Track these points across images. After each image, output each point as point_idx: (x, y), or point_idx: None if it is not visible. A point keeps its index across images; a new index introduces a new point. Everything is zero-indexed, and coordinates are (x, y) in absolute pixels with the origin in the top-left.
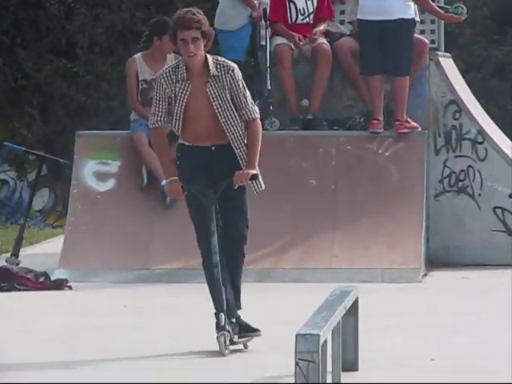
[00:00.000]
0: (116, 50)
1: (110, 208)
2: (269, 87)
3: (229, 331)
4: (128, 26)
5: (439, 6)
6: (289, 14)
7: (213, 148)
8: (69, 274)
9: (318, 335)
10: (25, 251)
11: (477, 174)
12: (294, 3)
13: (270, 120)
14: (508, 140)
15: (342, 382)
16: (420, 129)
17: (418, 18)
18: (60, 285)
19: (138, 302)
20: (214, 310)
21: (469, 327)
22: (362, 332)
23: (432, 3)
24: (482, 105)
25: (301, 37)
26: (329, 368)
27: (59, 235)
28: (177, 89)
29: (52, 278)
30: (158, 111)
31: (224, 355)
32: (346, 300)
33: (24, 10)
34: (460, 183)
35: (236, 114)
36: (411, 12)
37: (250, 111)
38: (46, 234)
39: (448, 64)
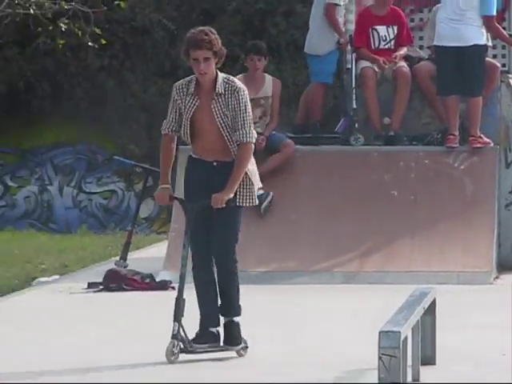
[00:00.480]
0: None
1: None
2: (354, 106)
3: (180, 340)
4: (226, 51)
5: (509, 34)
6: (372, 40)
7: (214, 164)
8: (172, 276)
9: (399, 332)
10: (132, 255)
11: None
12: (377, 30)
13: (356, 136)
14: None
15: (420, 375)
16: (492, 144)
17: (490, 44)
18: (164, 285)
19: None
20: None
21: None
22: (439, 330)
23: (503, 31)
24: None
25: (385, 60)
26: (409, 362)
27: (163, 240)
28: (186, 102)
29: (157, 280)
30: (170, 120)
31: (170, 362)
32: (425, 300)
33: (132, 36)
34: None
35: (231, 131)
36: (484, 38)
37: (244, 134)
38: (152, 239)
39: None
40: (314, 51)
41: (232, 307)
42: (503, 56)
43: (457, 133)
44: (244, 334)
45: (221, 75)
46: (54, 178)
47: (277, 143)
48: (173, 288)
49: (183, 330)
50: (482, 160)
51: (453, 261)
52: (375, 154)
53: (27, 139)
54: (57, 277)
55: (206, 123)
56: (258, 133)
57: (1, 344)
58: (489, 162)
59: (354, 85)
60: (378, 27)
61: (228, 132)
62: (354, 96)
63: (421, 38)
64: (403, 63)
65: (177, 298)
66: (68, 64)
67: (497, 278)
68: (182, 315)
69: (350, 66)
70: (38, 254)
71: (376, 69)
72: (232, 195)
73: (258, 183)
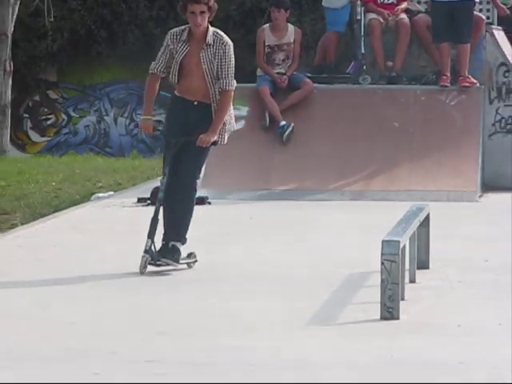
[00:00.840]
0: (246, 23)
1: (242, 142)
2: (363, 51)
3: (150, 254)
4: (255, 4)
5: None
6: None
7: (195, 103)
8: (209, 193)
9: (399, 241)
10: None
11: None
12: None
13: (364, 76)
14: None
15: (416, 277)
16: (478, 84)
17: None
18: (202, 201)
19: (261, 215)
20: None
21: (492, 235)
22: (432, 239)
23: None
24: None
25: (389, 13)
26: (406, 266)
27: None
28: (178, 47)
29: (196, 196)
30: (159, 61)
31: (141, 273)
32: (420, 215)
33: None
34: (508, 126)
35: (214, 78)
36: None
37: (227, 83)
38: None
39: (500, 35)
40: (330, 4)
41: (178, 233)
42: (487, 10)
43: (449, 74)
44: (267, 239)
45: (211, 29)
46: (110, 110)
47: (298, 82)
48: (209, 203)
49: (154, 246)
50: (469, 97)
51: (444, 182)
52: (380, 91)
53: (88, 77)
54: (111, 193)
55: (194, 67)
56: (281, 73)
57: (68, 246)
58: (475, 99)
59: (362, 33)
60: None
61: (211, 78)
62: (362, 43)
63: None
64: (404, 15)
65: (152, 218)
66: (122, 14)
67: (481, 196)
68: (155, 233)
69: (359, 18)
70: (96, 174)
71: (381, 20)
72: (215, 138)
73: (233, 126)
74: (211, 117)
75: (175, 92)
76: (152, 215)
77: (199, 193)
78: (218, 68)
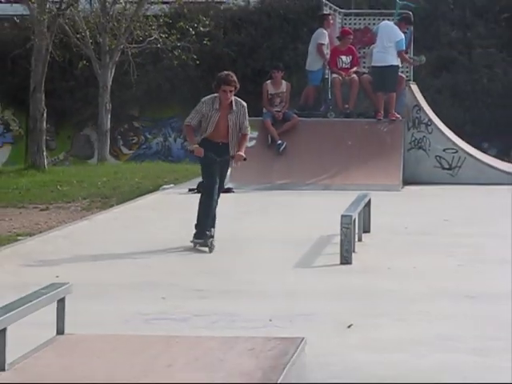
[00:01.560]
0: (256, 80)
1: (254, 154)
2: (329, 97)
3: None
4: (262, 67)
5: (411, 58)
6: (338, 63)
7: (220, 143)
8: (234, 185)
9: (351, 215)
10: None
11: (427, 140)
12: (341, 58)
13: (330, 113)
14: (442, 123)
15: (362, 238)
16: (401, 118)
17: (400, 65)
18: (229, 190)
19: (266, 199)
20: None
21: (425, 211)
22: (372, 214)
23: (407, 57)
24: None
25: (344, 73)
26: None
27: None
28: (211, 113)
29: (225, 187)
30: (193, 118)
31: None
32: (364, 199)
33: None
34: (419, 144)
35: (237, 131)
36: (397, 61)
37: (246, 129)
38: None
39: (414, 88)
40: (310, 68)
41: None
42: (407, 72)
43: (382, 112)
44: (270, 214)
45: (233, 98)
46: (171, 134)
47: (289, 116)
48: (233, 192)
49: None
50: (395, 126)
51: (379, 179)
52: (340, 122)
53: (158, 113)
54: (172, 185)
55: (221, 124)
56: (278, 111)
57: (145, 218)
58: (399, 127)
59: (329, 86)
60: (341, 56)
61: (232, 130)
62: (329, 92)
63: (364, 62)
64: (354, 75)
65: (210, 214)
66: (177, 74)
67: (402, 187)
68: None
69: (327, 77)
70: (163, 173)
71: (340, 78)
72: (244, 156)
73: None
74: (228, 149)
75: (204, 136)
76: (206, 211)
77: (228, 185)
78: (239, 122)
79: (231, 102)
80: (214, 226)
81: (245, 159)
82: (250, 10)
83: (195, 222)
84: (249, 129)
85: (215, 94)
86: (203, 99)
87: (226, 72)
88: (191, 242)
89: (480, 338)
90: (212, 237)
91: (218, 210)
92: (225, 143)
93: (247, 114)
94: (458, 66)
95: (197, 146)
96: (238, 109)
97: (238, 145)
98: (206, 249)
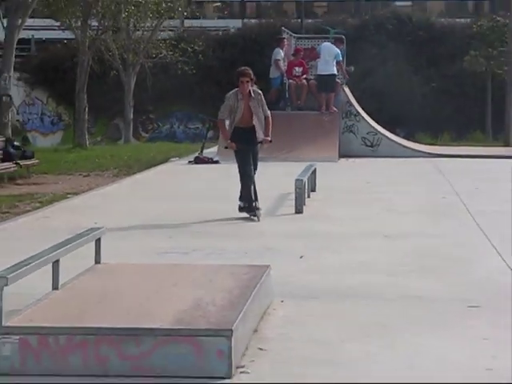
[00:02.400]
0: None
1: None
2: (287, 96)
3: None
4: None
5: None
6: (293, 72)
7: (246, 128)
8: (220, 158)
9: (303, 179)
10: (205, 151)
11: (355, 126)
12: (295, 69)
13: (287, 108)
14: (366, 114)
15: (310, 194)
16: (337, 111)
17: (336, 73)
18: (217, 162)
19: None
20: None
21: (354, 176)
22: (317, 178)
23: (343, 66)
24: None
25: (297, 80)
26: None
27: (216, 146)
28: (237, 104)
29: (214, 159)
30: (223, 112)
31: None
32: (312, 168)
33: None
34: (350, 129)
35: (261, 113)
36: (335, 70)
37: (266, 113)
38: (212, 144)
39: (347, 89)
40: (271, 76)
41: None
42: (343, 78)
43: (324, 107)
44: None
45: (251, 88)
46: (175, 122)
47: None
48: (220, 163)
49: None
50: (333, 116)
51: (322, 153)
52: (294, 114)
53: (168, 108)
54: (177, 158)
55: (246, 111)
56: None
57: (158, 180)
58: (336, 117)
59: (287, 88)
60: (295, 67)
61: (256, 114)
62: (286, 93)
63: (311, 71)
64: (304, 81)
65: (250, 189)
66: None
67: (338, 159)
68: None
69: (285, 82)
70: (170, 150)
71: (294, 83)
72: (270, 138)
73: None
74: (255, 132)
75: (236, 125)
76: (248, 187)
77: (216, 158)
78: (260, 107)
79: (249, 91)
80: (257, 200)
81: (270, 141)
82: (230, 35)
83: (240, 197)
84: (269, 112)
85: (236, 89)
86: (227, 95)
87: (242, 67)
88: (248, 214)
89: (391, 264)
90: (258, 208)
91: (200, 176)
92: (252, 127)
93: (264, 100)
94: (376, 74)
95: (229, 141)
96: (255, 96)
97: (264, 128)
98: (256, 218)
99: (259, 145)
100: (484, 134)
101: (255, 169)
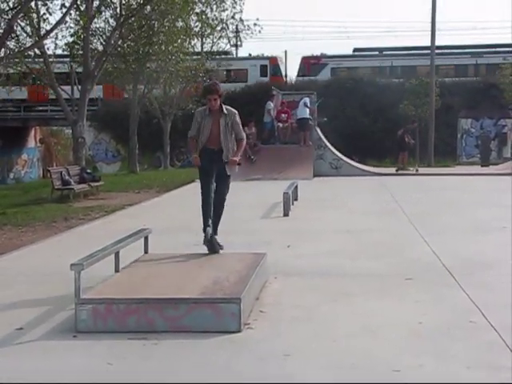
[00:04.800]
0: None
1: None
2: (276, 134)
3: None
4: (245, 121)
5: (317, 118)
6: (281, 117)
7: (215, 149)
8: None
9: (288, 192)
10: None
11: (324, 155)
12: (282, 115)
13: (276, 143)
14: (331, 146)
15: (294, 202)
16: (312, 144)
17: (310, 117)
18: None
19: (246, 186)
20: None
21: (325, 189)
22: (298, 191)
23: (312, 109)
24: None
25: (283, 123)
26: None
27: None
28: (205, 120)
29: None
30: (193, 129)
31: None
32: (295, 184)
33: None
34: (321, 157)
35: (230, 135)
36: (308, 115)
37: (241, 134)
38: None
39: (318, 129)
40: (265, 120)
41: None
42: (313, 122)
43: (303, 141)
44: (249, 193)
45: (224, 106)
46: None
47: (256, 144)
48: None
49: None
50: (309, 148)
51: (301, 174)
52: (281, 147)
53: None
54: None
55: (214, 130)
56: (250, 142)
57: (188, 196)
58: (311, 149)
59: (276, 129)
60: (282, 114)
61: (223, 134)
62: (276, 132)
63: (293, 117)
64: (288, 123)
65: (206, 216)
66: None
67: (312, 178)
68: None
69: (275, 125)
70: (195, 173)
71: (281, 125)
72: (238, 160)
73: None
74: (222, 155)
75: (202, 144)
76: (204, 214)
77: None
78: (230, 127)
79: (221, 108)
80: (210, 226)
81: (239, 164)
82: (236, 92)
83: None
84: (244, 135)
85: (204, 106)
86: (196, 110)
87: (209, 82)
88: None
89: (352, 251)
90: (211, 237)
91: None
92: (220, 149)
93: (239, 121)
94: (339, 118)
95: (195, 155)
96: (228, 113)
97: (233, 151)
98: (211, 249)
99: (226, 166)
100: (414, 158)
101: (221, 193)
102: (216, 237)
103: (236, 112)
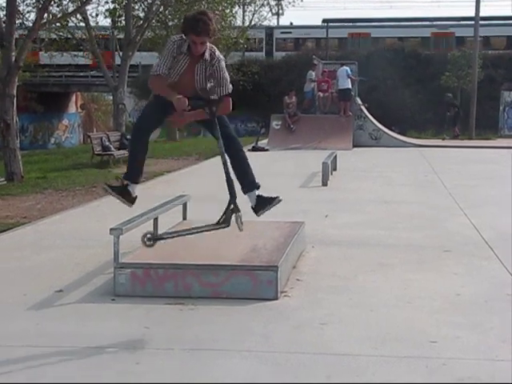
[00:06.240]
0: (281, 96)
1: (280, 133)
2: (316, 104)
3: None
4: (284, 90)
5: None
6: (321, 86)
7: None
8: (269, 147)
9: (327, 162)
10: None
11: (364, 125)
12: (322, 84)
13: (316, 112)
14: (371, 116)
15: (332, 172)
16: (352, 114)
17: (351, 87)
18: (266, 149)
19: (285, 155)
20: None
21: (363, 159)
22: (337, 161)
23: (353, 77)
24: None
25: (324, 92)
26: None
27: (267, 138)
28: (179, 57)
29: (265, 148)
30: (164, 65)
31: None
32: (334, 154)
33: None
34: (361, 127)
35: (207, 86)
36: (349, 85)
37: (226, 87)
38: (263, 137)
39: (358, 99)
40: (305, 90)
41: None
42: (354, 92)
43: (342, 112)
44: (287, 162)
45: (208, 45)
46: (238, 123)
47: (296, 113)
48: (268, 150)
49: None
50: (349, 118)
51: (340, 144)
52: (321, 117)
53: (232, 114)
54: None
55: (187, 77)
56: (290, 111)
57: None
58: (351, 119)
59: (316, 99)
60: (322, 83)
61: (200, 85)
62: (316, 102)
63: (334, 87)
64: (328, 93)
65: (227, 180)
66: None
67: (352, 148)
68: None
69: (315, 93)
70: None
71: (321, 94)
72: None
73: None
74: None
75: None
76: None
77: (266, 147)
78: (212, 76)
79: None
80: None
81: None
82: (277, 62)
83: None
84: (230, 87)
85: (182, 36)
86: (173, 39)
87: (195, 13)
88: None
89: (389, 221)
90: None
91: (256, 159)
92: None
93: (225, 71)
94: (379, 89)
95: (180, 96)
96: (210, 58)
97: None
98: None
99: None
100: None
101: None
102: (256, 192)
103: (222, 58)
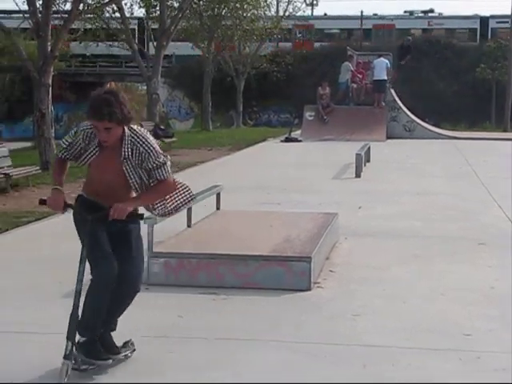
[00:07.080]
0: (315, 87)
1: (313, 123)
2: (350, 95)
3: (73, 359)
4: (319, 81)
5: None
6: (355, 78)
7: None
8: (302, 138)
9: (361, 153)
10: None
11: (398, 117)
12: (357, 76)
13: (350, 104)
14: (405, 108)
15: (366, 163)
16: (385, 106)
17: (386, 78)
18: (299, 140)
19: (319, 145)
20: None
21: (397, 151)
22: (371, 153)
23: (391, 71)
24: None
25: (358, 84)
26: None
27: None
28: (91, 149)
29: (298, 138)
30: (68, 150)
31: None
32: (367, 146)
33: None
34: (394, 119)
35: (138, 183)
36: (385, 76)
37: (162, 174)
38: (297, 128)
39: (392, 91)
40: (340, 81)
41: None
42: (389, 83)
43: (376, 103)
44: (321, 153)
45: (127, 133)
46: (271, 114)
47: (330, 105)
48: (301, 141)
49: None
50: (383, 110)
51: (374, 136)
52: (355, 108)
53: (264, 104)
54: (272, 138)
55: (107, 175)
56: (324, 102)
57: (259, 153)
58: (385, 111)
59: (350, 90)
60: (357, 75)
61: (135, 183)
62: (350, 93)
63: (368, 78)
64: (363, 84)
65: (71, 314)
66: None
67: (386, 140)
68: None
69: (349, 85)
70: (267, 133)
71: (356, 86)
72: (131, 209)
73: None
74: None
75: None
76: (71, 311)
77: (299, 137)
78: (141, 170)
79: (120, 140)
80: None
81: (133, 215)
82: (312, 53)
83: None
84: (167, 176)
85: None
86: (82, 126)
87: (99, 94)
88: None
89: (424, 214)
90: (67, 357)
91: (290, 150)
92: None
93: (156, 150)
94: (414, 80)
95: (59, 187)
96: (134, 151)
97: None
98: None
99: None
100: (489, 123)
101: (133, 265)
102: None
103: (146, 137)
